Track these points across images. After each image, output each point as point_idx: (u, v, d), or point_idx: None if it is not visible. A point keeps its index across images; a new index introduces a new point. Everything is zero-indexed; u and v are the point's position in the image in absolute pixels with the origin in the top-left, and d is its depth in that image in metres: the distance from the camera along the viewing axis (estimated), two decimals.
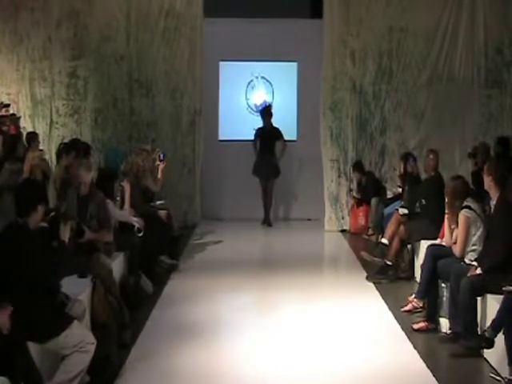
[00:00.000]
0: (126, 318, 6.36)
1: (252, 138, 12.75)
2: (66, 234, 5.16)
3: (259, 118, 12.85)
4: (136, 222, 8.03)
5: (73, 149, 9.04)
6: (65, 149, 9.15)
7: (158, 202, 9.39)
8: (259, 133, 12.68)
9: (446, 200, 7.08)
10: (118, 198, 8.01)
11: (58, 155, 9.42)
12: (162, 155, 9.80)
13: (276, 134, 12.58)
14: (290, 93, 13.36)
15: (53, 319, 4.81)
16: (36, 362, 4.52)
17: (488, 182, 6.27)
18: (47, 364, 4.90)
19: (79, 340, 4.81)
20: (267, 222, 12.68)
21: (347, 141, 12.36)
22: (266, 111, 12.69)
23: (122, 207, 8.12)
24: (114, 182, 7.84)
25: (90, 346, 4.87)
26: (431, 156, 8.82)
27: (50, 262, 4.86)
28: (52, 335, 4.75)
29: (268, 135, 12.55)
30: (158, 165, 9.72)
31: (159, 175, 9.70)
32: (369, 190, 11.71)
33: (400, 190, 10.14)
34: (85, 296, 5.90)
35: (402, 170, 9.77)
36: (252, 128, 12.94)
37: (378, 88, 12.27)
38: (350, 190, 12.27)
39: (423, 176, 9.37)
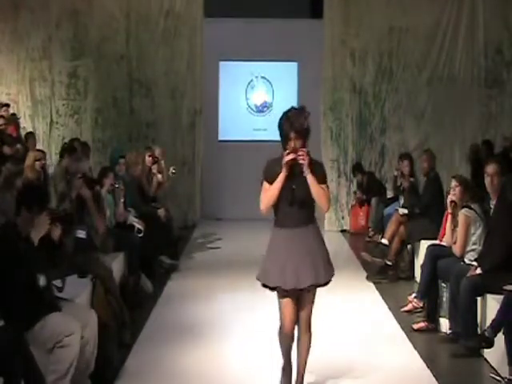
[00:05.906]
0: (125, 317, 6.35)
1: (252, 138, 12.39)
2: (55, 233, 5.01)
3: (259, 117, 12.79)
4: (136, 222, 8.04)
5: (74, 150, 9.03)
6: (67, 149, 9.14)
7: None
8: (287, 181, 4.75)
9: (446, 200, 7.10)
10: (122, 200, 7.99)
11: (62, 154, 9.42)
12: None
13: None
14: (290, 93, 13.34)
15: (27, 309, 4.53)
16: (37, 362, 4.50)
17: (495, 182, 6.24)
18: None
19: (57, 333, 4.50)
20: None
21: (347, 141, 12.37)
22: (299, 125, 4.58)
23: (125, 208, 8.11)
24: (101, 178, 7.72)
25: (69, 338, 4.52)
26: (428, 156, 8.85)
27: (33, 261, 4.66)
28: (27, 326, 4.49)
29: (302, 185, 4.74)
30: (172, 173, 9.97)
31: (159, 177, 9.69)
32: (371, 189, 11.69)
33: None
34: (85, 296, 5.90)
35: (406, 170, 9.74)
36: (252, 128, 12.82)
37: (377, 88, 12.28)
38: (354, 192, 12.25)
39: (421, 176, 9.37)
